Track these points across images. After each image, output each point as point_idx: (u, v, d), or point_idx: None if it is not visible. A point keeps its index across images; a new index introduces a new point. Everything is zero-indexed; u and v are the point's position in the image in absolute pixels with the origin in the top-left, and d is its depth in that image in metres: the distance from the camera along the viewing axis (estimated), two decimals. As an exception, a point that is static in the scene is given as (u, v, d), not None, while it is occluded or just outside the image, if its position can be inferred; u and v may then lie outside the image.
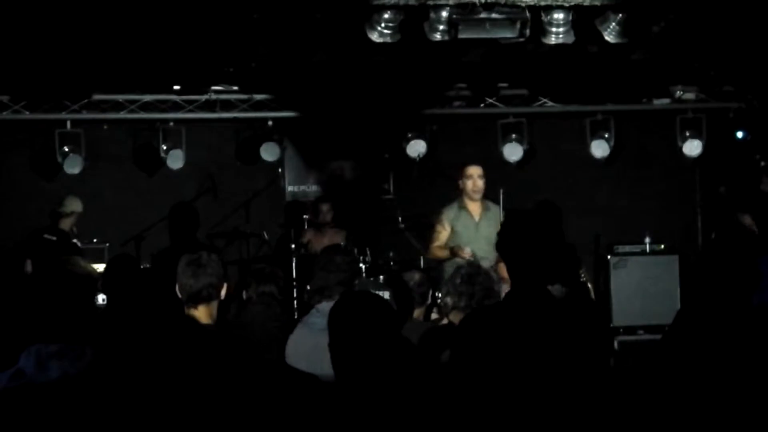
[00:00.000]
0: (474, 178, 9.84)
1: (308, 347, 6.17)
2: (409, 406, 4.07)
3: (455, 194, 9.98)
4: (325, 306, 6.43)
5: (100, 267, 9.46)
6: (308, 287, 11.19)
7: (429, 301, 8.33)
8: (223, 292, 5.81)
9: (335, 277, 6.49)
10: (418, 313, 8.06)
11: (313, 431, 4.10)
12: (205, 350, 5.41)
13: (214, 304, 5.77)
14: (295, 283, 12.02)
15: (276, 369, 5.68)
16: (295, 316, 11.73)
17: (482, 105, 14.33)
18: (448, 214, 9.97)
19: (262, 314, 8.20)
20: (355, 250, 11.90)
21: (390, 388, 4.15)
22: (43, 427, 4.31)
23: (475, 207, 9.78)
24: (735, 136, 14.16)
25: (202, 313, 5.72)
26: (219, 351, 5.46)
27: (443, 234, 10.05)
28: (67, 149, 13.57)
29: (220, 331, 5.86)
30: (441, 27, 10.09)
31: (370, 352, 4.14)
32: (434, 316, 8.97)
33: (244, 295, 9.14)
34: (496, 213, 9.75)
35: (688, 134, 14.15)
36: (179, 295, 5.76)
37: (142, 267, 10.89)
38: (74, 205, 11.91)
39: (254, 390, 5.01)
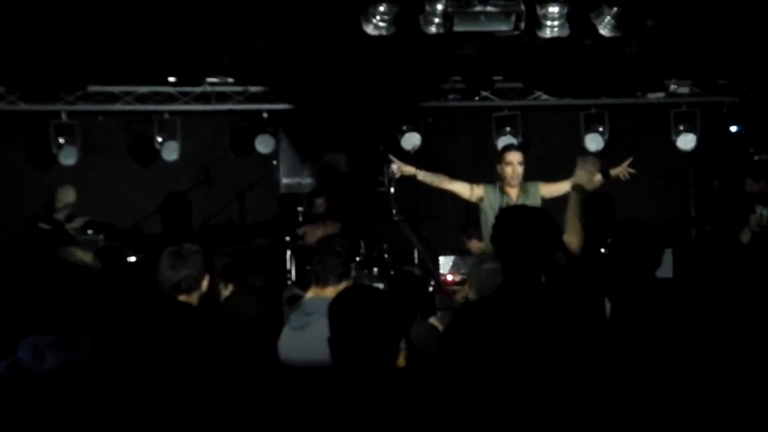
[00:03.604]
0: (514, 164, 9.60)
1: (290, 346, 6.20)
2: (406, 399, 4.09)
3: (495, 177, 9.78)
4: (310, 302, 6.43)
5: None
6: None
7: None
8: (204, 284, 5.84)
9: (332, 264, 6.46)
10: None
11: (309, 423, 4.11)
12: (199, 335, 5.43)
13: (195, 296, 5.80)
14: (289, 275, 12.06)
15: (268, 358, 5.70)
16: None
17: (477, 98, 14.37)
18: (486, 189, 9.76)
19: None
20: (349, 243, 11.94)
21: (390, 381, 4.16)
22: (39, 417, 4.33)
23: (513, 191, 9.64)
24: (729, 130, 14.18)
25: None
26: (213, 336, 5.49)
27: (464, 185, 9.84)
28: (62, 140, 13.57)
29: (210, 318, 5.88)
30: (436, 20, 10.11)
31: (371, 345, 4.15)
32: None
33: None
34: (534, 192, 9.62)
35: (682, 128, 14.19)
36: (161, 287, 5.81)
37: (135, 258, 10.92)
38: (67, 196, 11.88)
39: (247, 377, 5.03)
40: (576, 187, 5.86)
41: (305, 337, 6.07)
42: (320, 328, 6.05)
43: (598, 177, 7.76)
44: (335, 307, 4.33)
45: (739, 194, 12.04)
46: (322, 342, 5.99)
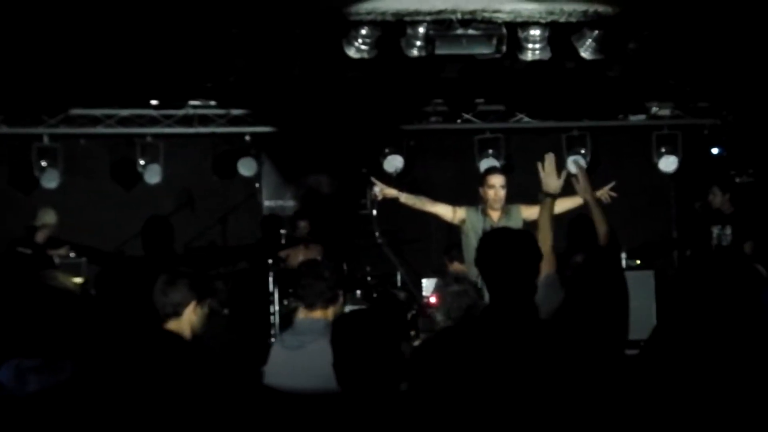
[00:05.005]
0: (496, 187, 9.60)
1: (282, 366, 6.20)
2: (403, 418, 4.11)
3: (477, 199, 9.79)
4: (302, 322, 6.45)
5: (77, 281, 9.45)
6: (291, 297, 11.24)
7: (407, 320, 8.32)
8: (189, 309, 5.82)
9: (318, 289, 6.47)
10: None
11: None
12: (184, 362, 5.42)
13: (185, 322, 5.79)
14: (272, 298, 12.04)
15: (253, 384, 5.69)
16: (272, 331, 11.76)
17: (459, 120, 14.39)
18: (469, 211, 9.76)
19: None
20: (335, 266, 11.94)
21: (392, 401, 4.17)
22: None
23: (495, 214, 9.66)
24: (710, 152, 14.22)
25: (172, 328, 5.77)
26: (197, 363, 5.48)
27: (446, 208, 9.87)
28: (44, 163, 13.55)
29: (197, 344, 5.88)
30: (418, 43, 10.10)
31: (376, 366, 4.17)
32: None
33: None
34: (516, 214, 9.64)
35: (663, 150, 14.24)
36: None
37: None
38: (46, 217, 11.87)
39: (231, 403, 5.02)
40: (544, 195, 5.75)
41: (301, 357, 6.09)
42: (316, 349, 6.05)
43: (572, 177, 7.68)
44: (337, 333, 4.34)
45: (721, 216, 12.07)
46: (319, 363, 5.98)
